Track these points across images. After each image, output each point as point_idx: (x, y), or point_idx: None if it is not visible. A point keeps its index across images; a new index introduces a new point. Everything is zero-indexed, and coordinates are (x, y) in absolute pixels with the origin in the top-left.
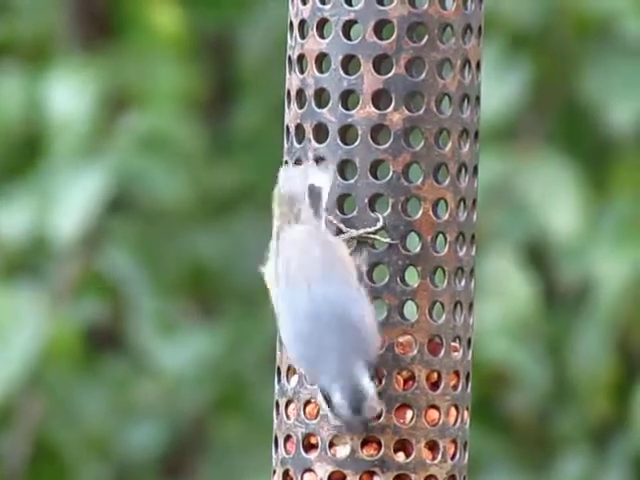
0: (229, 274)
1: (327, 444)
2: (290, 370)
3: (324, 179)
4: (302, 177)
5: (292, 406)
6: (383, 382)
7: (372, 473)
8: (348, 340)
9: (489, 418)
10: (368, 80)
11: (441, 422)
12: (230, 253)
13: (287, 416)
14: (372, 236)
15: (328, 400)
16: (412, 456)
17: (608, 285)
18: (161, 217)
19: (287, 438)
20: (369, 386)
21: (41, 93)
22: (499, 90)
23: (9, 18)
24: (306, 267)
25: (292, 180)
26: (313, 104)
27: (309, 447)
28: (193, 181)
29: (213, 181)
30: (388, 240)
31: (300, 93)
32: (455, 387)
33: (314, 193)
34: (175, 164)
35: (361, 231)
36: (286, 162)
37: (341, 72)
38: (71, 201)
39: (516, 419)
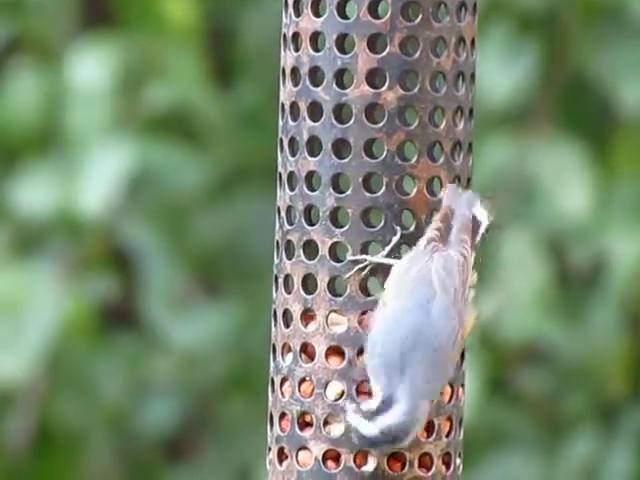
0: (237, 252)
1: (322, 422)
2: (285, 347)
3: (485, 217)
4: (468, 205)
5: (287, 384)
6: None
7: (367, 452)
8: (432, 374)
9: (504, 396)
10: (362, 59)
11: (436, 400)
12: (238, 231)
13: (282, 394)
14: (385, 261)
15: (383, 406)
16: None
17: (620, 264)
18: (179, 195)
19: (282, 416)
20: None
21: (61, 75)
22: (507, 73)
23: (21, 15)
24: (439, 283)
25: (459, 205)
26: (308, 82)
27: (304, 425)
28: (214, 158)
29: (226, 158)
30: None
31: (295, 71)
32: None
33: (474, 225)
34: (195, 141)
35: (376, 258)
36: (281, 140)
37: (335, 51)
38: (95, 179)
39: (530, 397)
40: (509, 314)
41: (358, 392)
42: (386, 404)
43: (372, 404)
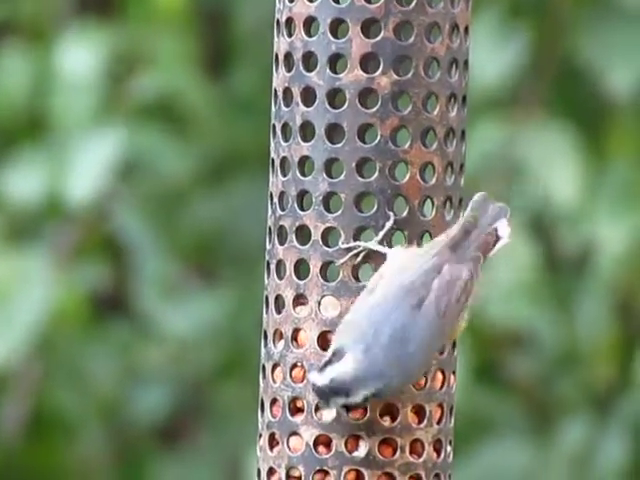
0: (229, 239)
1: (313, 408)
2: (277, 334)
3: (506, 234)
4: (494, 218)
5: (278, 370)
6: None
7: (358, 437)
8: (399, 363)
9: (493, 382)
10: (356, 44)
11: (427, 386)
12: (230, 217)
13: (273, 380)
14: (375, 248)
15: (332, 358)
16: (398, 420)
17: (609, 250)
18: (170, 182)
19: (273, 402)
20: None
21: (50, 61)
22: (497, 58)
23: None
24: (435, 299)
25: (485, 215)
26: (301, 67)
27: (295, 411)
28: (204, 145)
29: (217, 144)
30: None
31: (288, 56)
32: (441, 352)
33: (490, 239)
34: (184, 127)
35: (369, 244)
36: (274, 125)
37: (329, 36)
38: (83, 166)
39: (520, 383)
40: (496, 300)
41: None
42: (337, 356)
43: (325, 358)
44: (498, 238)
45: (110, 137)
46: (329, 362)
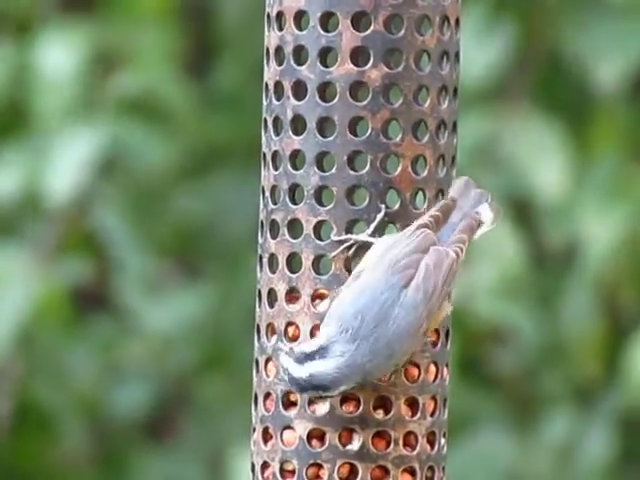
0: (212, 234)
1: (306, 402)
2: (269, 327)
3: (489, 219)
4: (475, 202)
5: (271, 364)
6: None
7: (351, 430)
8: (375, 356)
9: (477, 376)
10: (347, 37)
11: (421, 379)
12: (213, 213)
13: (266, 374)
14: (370, 240)
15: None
16: (391, 413)
17: (595, 245)
18: (150, 178)
19: (267, 396)
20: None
21: (30, 56)
22: (484, 51)
23: None
24: (423, 279)
25: (467, 199)
26: (292, 61)
27: (288, 404)
28: (183, 140)
29: (199, 139)
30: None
31: (279, 50)
32: (435, 344)
33: (474, 223)
34: (164, 123)
35: (361, 237)
36: (265, 119)
37: (320, 29)
38: (63, 162)
39: (504, 377)
40: (480, 295)
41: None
42: (321, 353)
43: (306, 347)
44: (480, 223)
45: (90, 133)
46: (311, 356)
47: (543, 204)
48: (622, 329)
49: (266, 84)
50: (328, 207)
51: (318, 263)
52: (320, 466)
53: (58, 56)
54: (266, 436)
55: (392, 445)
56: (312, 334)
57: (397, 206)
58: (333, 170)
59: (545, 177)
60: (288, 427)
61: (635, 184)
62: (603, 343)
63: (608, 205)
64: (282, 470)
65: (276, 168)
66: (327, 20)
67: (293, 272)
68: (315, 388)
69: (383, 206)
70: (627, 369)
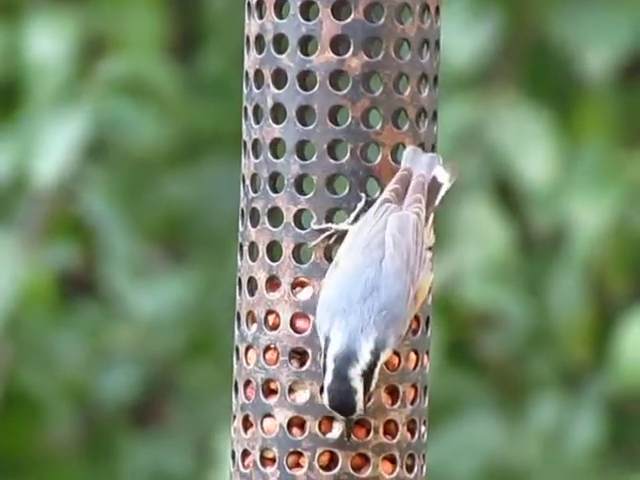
0: (199, 220)
1: (287, 390)
2: (250, 315)
3: (446, 179)
4: (429, 166)
5: (251, 352)
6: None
7: (331, 418)
8: (381, 321)
9: (464, 361)
10: (327, 26)
11: (401, 367)
12: (200, 199)
13: (247, 362)
14: (347, 229)
15: (325, 352)
16: (371, 401)
17: (583, 230)
18: (138, 162)
19: (247, 383)
20: (365, 359)
21: (19, 40)
22: (470, 37)
23: None
24: (394, 245)
25: (419, 165)
26: (272, 50)
27: (269, 392)
28: (171, 125)
29: (186, 125)
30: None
31: (259, 39)
32: (415, 332)
33: (434, 187)
34: (152, 108)
35: (341, 226)
36: (245, 108)
37: (300, 18)
38: (51, 146)
39: (491, 362)
40: (467, 280)
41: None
42: (325, 347)
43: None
44: (439, 184)
45: (78, 116)
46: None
47: (530, 190)
48: (610, 314)
49: (246, 72)
50: (308, 196)
51: (298, 251)
52: (300, 454)
53: (47, 40)
54: (246, 424)
55: (372, 433)
56: (292, 323)
57: (377, 195)
58: (313, 159)
59: (531, 163)
60: (268, 415)
61: (623, 170)
62: (591, 328)
63: (596, 191)
64: (262, 458)
65: (256, 156)
66: (307, 8)
67: (273, 260)
68: (346, 362)
69: (363, 195)
70: (615, 354)
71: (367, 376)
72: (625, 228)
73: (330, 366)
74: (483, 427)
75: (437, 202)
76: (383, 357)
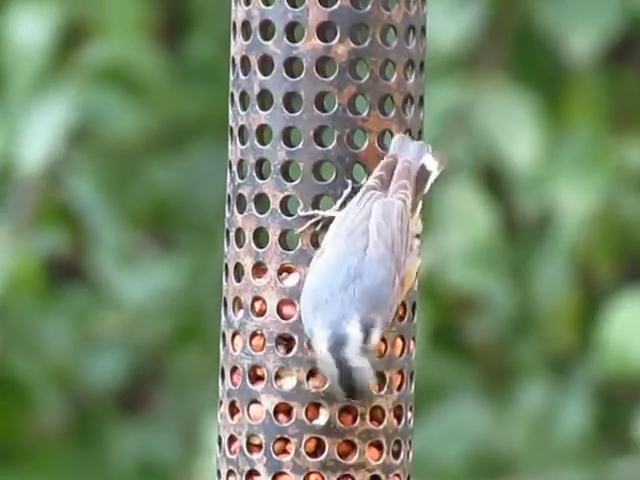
0: (186, 206)
1: (273, 376)
2: (236, 302)
3: (435, 167)
4: (417, 154)
5: (238, 338)
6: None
7: (318, 405)
8: (363, 306)
9: (450, 346)
10: (313, 12)
11: (387, 353)
12: (187, 185)
13: (233, 348)
14: (334, 215)
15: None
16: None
17: (569, 215)
18: (124, 149)
19: (233, 370)
20: (355, 336)
21: (1, 26)
22: (456, 21)
23: None
24: (377, 233)
25: (407, 153)
26: (259, 36)
27: (255, 379)
28: (155, 111)
29: (172, 111)
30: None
31: (245, 25)
32: (401, 318)
33: (423, 174)
34: (135, 93)
35: (328, 212)
36: (232, 94)
37: (286, 4)
38: (35, 132)
39: (477, 347)
40: (452, 264)
41: (309, 346)
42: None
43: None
44: (427, 172)
45: (62, 102)
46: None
47: (515, 175)
48: (596, 299)
49: (233, 59)
50: (295, 182)
51: (285, 238)
52: (287, 441)
53: (29, 25)
54: (233, 410)
55: (359, 420)
56: (279, 309)
57: (364, 181)
58: (300, 145)
59: (517, 148)
60: (255, 401)
61: (609, 154)
62: (577, 313)
63: (582, 175)
64: (249, 444)
65: (243, 143)
66: None
67: (260, 247)
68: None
69: (350, 181)
70: (600, 339)
71: (366, 351)
72: (611, 213)
73: (329, 359)
74: (469, 412)
75: (426, 190)
76: (374, 335)
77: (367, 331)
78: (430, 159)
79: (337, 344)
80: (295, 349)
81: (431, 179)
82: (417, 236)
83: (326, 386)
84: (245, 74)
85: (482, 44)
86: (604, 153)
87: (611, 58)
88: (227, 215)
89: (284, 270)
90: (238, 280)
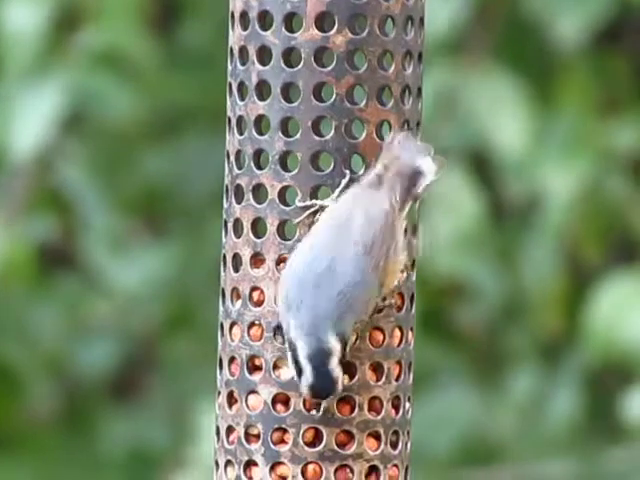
0: (179, 194)
1: (271, 366)
2: (234, 292)
3: (432, 171)
4: (418, 154)
5: (236, 328)
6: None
7: None
8: (334, 306)
9: (440, 332)
10: (311, 2)
11: (385, 343)
12: (179, 172)
13: (231, 338)
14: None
15: (294, 353)
16: (356, 378)
17: (556, 200)
18: (116, 136)
19: (231, 360)
20: (336, 348)
21: None
22: (444, 5)
23: None
24: (360, 233)
25: (408, 152)
26: (257, 26)
27: (253, 369)
28: (147, 97)
29: (165, 98)
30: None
31: (244, 15)
32: (399, 308)
33: (419, 176)
34: (129, 80)
35: (326, 202)
36: (230, 84)
37: None
38: (27, 118)
39: (467, 334)
40: (439, 250)
41: None
42: (293, 349)
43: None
44: (423, 175)
45: (53, 88)
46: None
47: (503, 159)
48: (583, 282)
49: (231, 49)
50: (293, 172)
51: (283, 228)
52: (285, 431)
53: (24, 11)
54: (231, 400)
55: (357, 410)
56: (277, 299)
57: (362, 171)
58: (298, 135)
59: (504, 132)
60: (253, 391)
61: (596, 138)
62: (565, 298)
63: (568, 159)
64: (247, 434)
65: (241, 133)
66: None
67: (258, 237)
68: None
69: (348, 171)
70: (588, 324)
71: (342, 362)
72: (598, 196)
73: (307, 366)
74: (460, 399)
75: (420, 192)
76: (350, 342)
77: (345, 341)
78: (429, 163)
79: (320, 355)
80: None
81: (426, 182)
82: (405, 231)
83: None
84: (243, 64)
85: (471, 29)
86: (591, 137)
87: (600, 43)
88: (225, 205)
89: (282, 260)
90: (236, 270)
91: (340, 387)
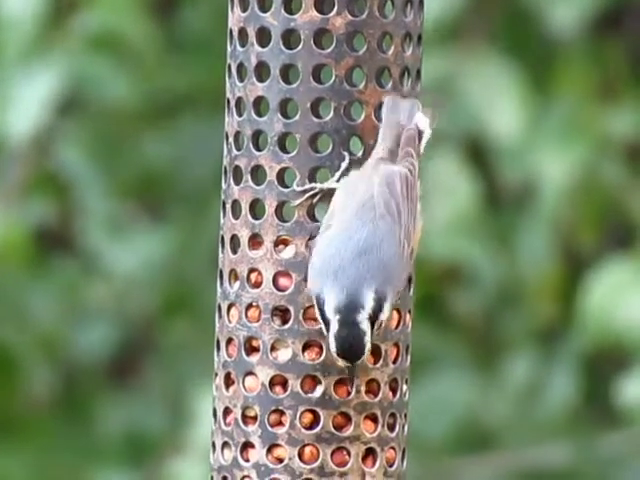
0: (178, 177)
1: (269, 348)
2: (232, 273)
3: (427, 125)
4: (410, 113)
5: (234, 309)
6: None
7: (313, 377)
8: (378, 273)
9: (436, 318)
10: None
11: (383, 326)
12: (178, 155)
13: (229, 319)
14: (334, 186)
15: (321, 308)
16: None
17: (552, 185)
18: (113, 118)
19: (229, 341)
20: (369, 304)
21: None
22: None
23: None
24: (383, 204)
25: (399, 113)
26: (256, 8)
27: (251, 350)
28: (145, 81)
29: (164, 82)
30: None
31: None
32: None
33: (412, 132)
34: (127, 63)
35: (325, 185)
36: (229, 66)
37: None
38: (23, 101)
39: (463, 319)
40: (435, 235)
41: (305, 318)
42: (321, 306)
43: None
44: (421, 132)
45: (50, 71)
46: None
47: (499, 145)
48: (579, 268)
49: (230, 30)
50: (291, 154)
51: (281, 210)
52: (282, 412)
53: None
54: (228, 382)
55: (354, 392)
56: (275, 281)
57: (360, 153)
58: (297, 117)
59: (501, 118)
60: (250, 373)
61: (593, 124)
62: (561, 283)
63: (565, 145)
64: (244, 416)
65: (240, 114)
66: None
67: (256, 218)
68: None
69: (347, 153)
70: (583, 309)
71: (372, 322)
72: (594, 182)
73: (334, 317)
74: (456, 384)
75: (421, 150)
76: (386, 308)
77: (380, 303)
78: (422, 118)
79: (350, 308)
80: (291, 321)
81: (425, 138)
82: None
83: (322, 358)
84: (242, 46)
85: (468, 15)
86: (587, 123)
87: (598, 29)
88: (223, 187)
89: (280, 242)
90: (234, 252)
91: (367, 344)
